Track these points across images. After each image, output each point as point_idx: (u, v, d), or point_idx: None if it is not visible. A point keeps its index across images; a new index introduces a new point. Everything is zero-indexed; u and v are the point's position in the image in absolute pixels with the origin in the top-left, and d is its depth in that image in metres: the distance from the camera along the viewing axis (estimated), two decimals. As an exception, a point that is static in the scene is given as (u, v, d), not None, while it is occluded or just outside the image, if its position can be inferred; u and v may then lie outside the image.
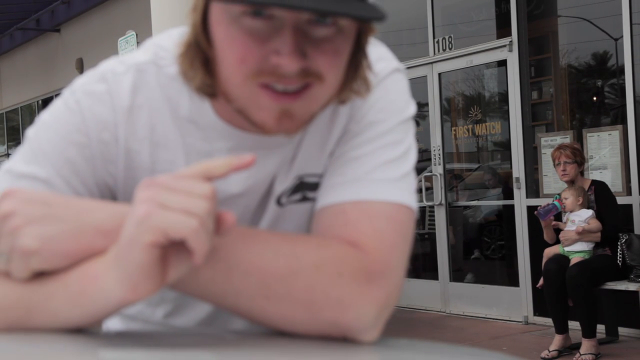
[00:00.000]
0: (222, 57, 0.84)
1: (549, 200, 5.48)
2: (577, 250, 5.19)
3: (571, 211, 5.21)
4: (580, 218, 5.17)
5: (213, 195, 0.75)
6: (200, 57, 0.87)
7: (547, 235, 5.40)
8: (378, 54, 0.99)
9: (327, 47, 0.82)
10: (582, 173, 5.44)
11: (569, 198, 5.18)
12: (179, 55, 0.88)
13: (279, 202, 1.00)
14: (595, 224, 5.15)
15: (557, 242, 5.35)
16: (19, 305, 0.81)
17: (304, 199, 1.00)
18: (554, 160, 5.46)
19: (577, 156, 5.34)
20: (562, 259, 5.23)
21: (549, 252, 5.40)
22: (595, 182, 5.39)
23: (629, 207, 5.71)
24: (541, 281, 5.40)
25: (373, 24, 0.87)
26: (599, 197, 5.28)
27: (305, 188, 0.99)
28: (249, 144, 0.95)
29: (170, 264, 0.76)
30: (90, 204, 0.84)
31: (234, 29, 0.82)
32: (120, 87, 0.94)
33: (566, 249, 5.24)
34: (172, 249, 0.75)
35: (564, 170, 5.33)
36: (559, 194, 5.35)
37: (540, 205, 5.32)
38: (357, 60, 0.89)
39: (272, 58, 0.81)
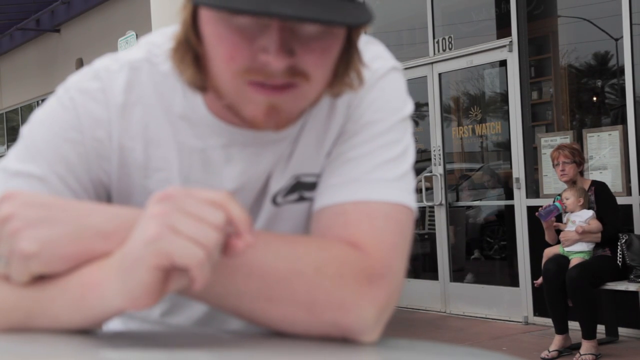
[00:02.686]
0: (211, 54, 0.84)
1: (549, 201, 5.48)
2: (577, 251, 5.19)
3: (572, 212, 5.20)
4: (580, 218, 5.17)
5: (224, 225, 0.74)
6: (190, 54, 0.87)
7: (549, 237, 5.39)
8: (375, 52, 0.99)
9: (315, 46, 0.82)
10: (581, 173, 5.43)
11: (570, 199, 5.18)
12: (170, 50, 0.88)
13: (274, 202, 0.99)
14: (596, 225, 5.14)
15: (559, 242, 5.35)
16: (19, 309, 0.81)
17: (301, 198, 0.99)
18: (553, 161, 5.45)
19: (576, 156, 5.33)
20: (562, 259, 5.23)
21: (549, 252, 5.40)
22: (595, 183, 5.38)
23: (629, 207, 5.70)
24: (540, 280, 5.40)
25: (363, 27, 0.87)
26: (599, 198, 5.28)
27: (302, 188, 0.99)
28: (242, 140, 0.95)
29: (172, 277, 0.75)
30: (90, 207, 0.84)
31: (223, 27, 0.82)
32: (114, 85, 0.94)
33: (566, 249, 5.24)
34: None
35: (562, 171, 5.32)
36: (560, 195, 5.35)
37: (542, 207, 5.32)
38: (348, 55, 0.88)
39: (260, 56, 0.81)
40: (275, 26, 0.80)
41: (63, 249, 0.79)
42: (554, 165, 5.45)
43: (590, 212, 5.17)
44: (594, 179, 5.63)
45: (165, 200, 0.74)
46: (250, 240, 0.75)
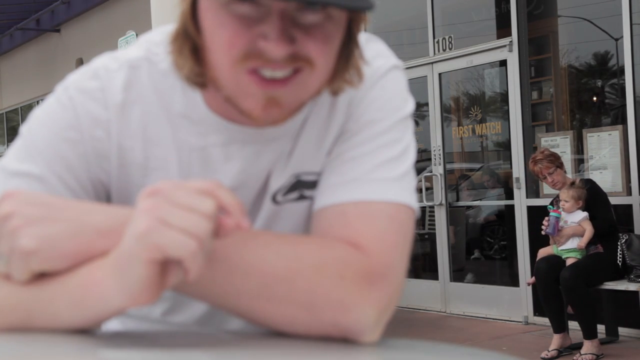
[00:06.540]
0: (210, 43, 0.84)
1: (549, 201, 5.47)
2: (570, 249, 5.16)
3: (568, 212, 5.17)
4: (573, 219, 5.15)
5: (214, 214, 0.74)
6: (189, 46, 0.86)
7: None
8: (376, 50, 0.98)
9: (317, 34, 0.82)
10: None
11: (569, 201, 5.14)
12: (169, 43, 0.88)
13: (274, 200, 0.99)
14: (588, 227, 5.11)
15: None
16: (20, 308, 0.81)
17: (301, 197, 0.99)
18: (537, 176, 5.41)
19: (555, 161, 5.29)
20: (554, 258, 5.22)
21: (543, 252, 5.39)
22: (582, 181, 5.35)
23: (629, 207, 5.70)
24: (532, 279, 5.38)
25: (364, 12, 0.86)
26: (588, 194, 5.20)
27: (302, 186, 0.99)
28: (242, 137, 0.95)
29: (170, 270, 0.75)
30: (89, 206, 0.84)
31: (223, 14, 0.82)
32: (113, 84, 0.93)
33: (559, 248, 5.22)
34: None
35: (552, 182, 5.30)
36: (552, 203, 5.32)
37: (543, 225, 5.19)
38: (348, 49, 0.88)
39: (259, 42, 0.81)
40: (275, 13, 0.80)
41: (62, 246, 0.79)
42: (540, 179, 5.42)
43: (584, 214, 5.13)
44: (588, 177, 5.61)
45: (155, 194, 0.74)
46: (244, 223, 0.75)
